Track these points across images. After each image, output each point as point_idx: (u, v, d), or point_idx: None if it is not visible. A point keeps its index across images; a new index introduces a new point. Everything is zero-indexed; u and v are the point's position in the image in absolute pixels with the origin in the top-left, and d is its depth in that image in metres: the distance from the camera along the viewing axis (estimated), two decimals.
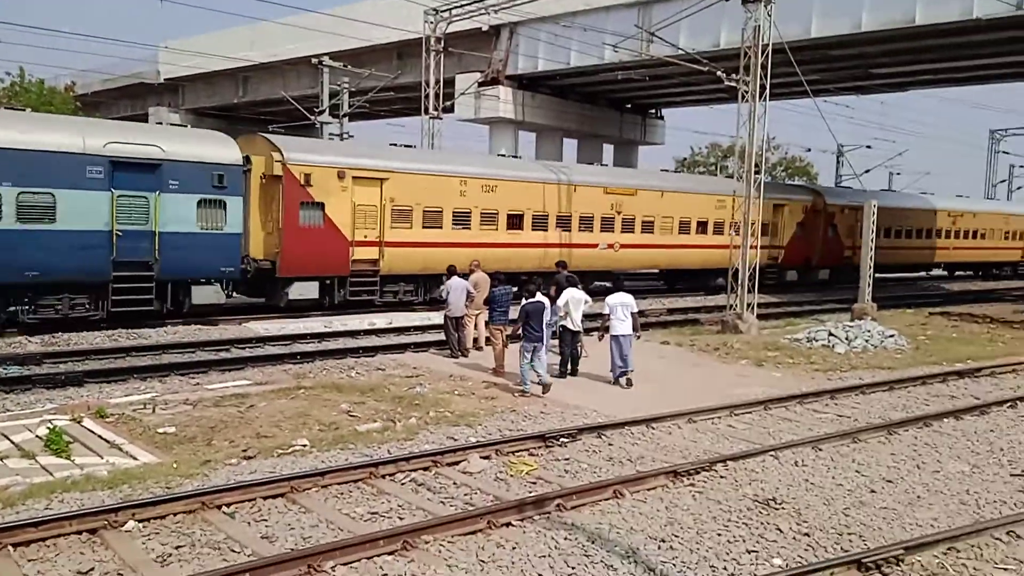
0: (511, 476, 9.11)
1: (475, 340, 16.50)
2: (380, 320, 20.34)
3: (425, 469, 9.15)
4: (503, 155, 29.58)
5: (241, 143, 20.28)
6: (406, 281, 22.86)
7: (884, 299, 26.34)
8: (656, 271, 33.11)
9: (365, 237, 21.51)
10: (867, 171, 47.56)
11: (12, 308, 17.03)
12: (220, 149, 19.29)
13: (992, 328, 22.10)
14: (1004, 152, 56.09)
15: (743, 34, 21.06)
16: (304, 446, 9.83)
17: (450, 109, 35.02)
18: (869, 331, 18.64)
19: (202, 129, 23.18)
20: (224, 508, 7.74)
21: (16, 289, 16.88)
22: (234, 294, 20.33)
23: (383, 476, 8.86)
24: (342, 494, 8.36)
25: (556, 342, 14.91)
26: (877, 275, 24.14)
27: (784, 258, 33.88)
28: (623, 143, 43.40)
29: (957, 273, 47.31)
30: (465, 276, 16.49)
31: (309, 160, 20.62)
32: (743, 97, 20.96)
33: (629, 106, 42.63)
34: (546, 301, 13.70)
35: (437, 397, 12.55)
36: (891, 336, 18.64)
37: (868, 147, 50.49)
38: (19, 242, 16.42)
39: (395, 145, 24.47)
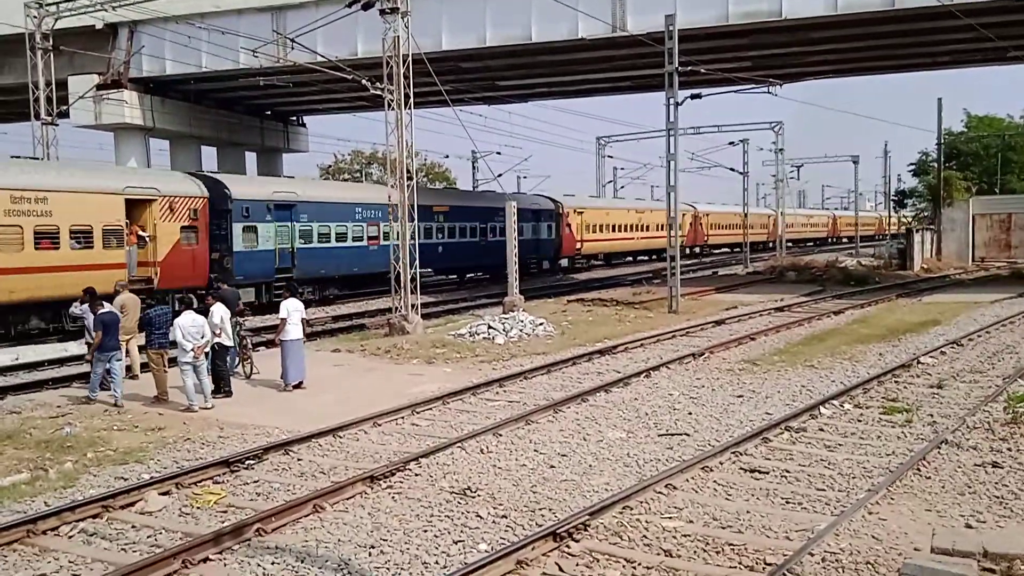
0: (198, 508, 8.48)
1: (128, 368, 14.92)
2: (3, 356, 17.57)
3: (95, 516, 8.19)
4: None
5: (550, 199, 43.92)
6: (590, 257, 48.61)
7: (528, 291, 28.67)
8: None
9: (577, 237, 45.43)
10: (500, 175, 51.38)
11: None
12: (550, 204, 43.17)
13: (619, 310, 25.11)
14: (609, 156, 63.77)
15: (384, 44, 21.52)
16: None
17: (66, 114, 31.26)
18: (522, 321, 20.22)
19: (539, 196, 44.24)
20: None
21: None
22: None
23: (44, 532, 7.77)
24: None
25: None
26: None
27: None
28: (267, 151, 42.07)
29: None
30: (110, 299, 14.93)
31: (568, 204, 44.75)
32: (389, 105, 21.46)
33: (269, 113, 41.48)
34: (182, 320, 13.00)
35: (93, 436, 11.20)
36: (541, 324, 20.39)
37: (499, 153, 54.61)
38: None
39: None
